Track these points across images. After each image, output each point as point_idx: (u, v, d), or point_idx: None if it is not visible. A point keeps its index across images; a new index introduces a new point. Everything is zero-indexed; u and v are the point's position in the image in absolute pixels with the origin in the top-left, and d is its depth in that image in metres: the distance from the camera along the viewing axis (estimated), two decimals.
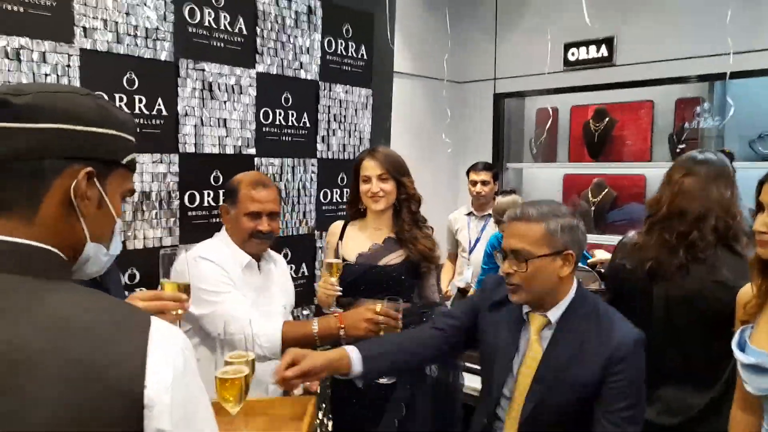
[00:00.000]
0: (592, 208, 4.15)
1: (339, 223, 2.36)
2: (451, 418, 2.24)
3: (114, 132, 0.88)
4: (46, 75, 2.00)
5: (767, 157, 3.52)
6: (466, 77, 4.63)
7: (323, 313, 2.18)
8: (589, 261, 2.53)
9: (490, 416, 1.67)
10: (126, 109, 2.20)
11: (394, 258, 2.22)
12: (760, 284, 1.49)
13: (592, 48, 3.94)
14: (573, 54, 4.02)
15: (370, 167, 2.20)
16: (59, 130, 0.82)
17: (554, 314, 1.62)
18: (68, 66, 2.05)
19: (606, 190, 4.17)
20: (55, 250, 0.82)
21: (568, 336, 1.59)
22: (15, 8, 1.93)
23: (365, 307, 1.85)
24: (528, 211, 1.59)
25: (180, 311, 1.46)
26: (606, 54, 3.89)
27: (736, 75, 3.37)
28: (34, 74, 1.98)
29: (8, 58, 1.93)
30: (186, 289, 1.53)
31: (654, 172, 4.05)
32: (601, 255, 2.55)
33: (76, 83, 2.07)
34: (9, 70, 1.93)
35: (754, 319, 1.50)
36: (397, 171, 2.22)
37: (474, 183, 3.74)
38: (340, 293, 2.09)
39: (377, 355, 1.65)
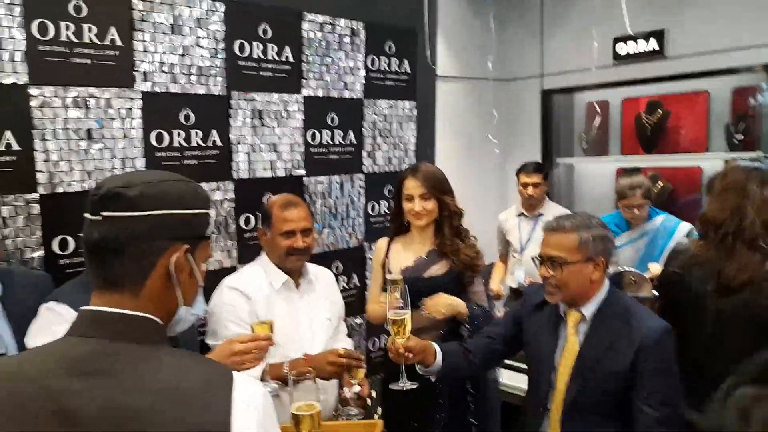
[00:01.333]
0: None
1: (384, 240, 2.47)
2: (485, 414, 2.33)
3: (203, 210, 1.01)
4: (112, 119, 2.20)
5: None
6: (511, 75, 4.61)
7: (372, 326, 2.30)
8: (648, 276, 2.55)
9: (542, 407, 1.85)
10: (184, 143, 2.39)
11: (438, 269, 2.30)
12: None
13: (642, 42, 3.85)
14: (622, 48, 3.94)
15: (413, 186, 2.28)
16: (166, 215, 0.95)
17: (588, 310, 1.80)
18: (130, 109, 2.25)
19: (661, 183, 4.09)
20: (155, 318, 0.95)
21: (602, 330, 1.77)
22: (83, 61, 2.13)
23: (330, 350, 1.99)
24: (563, 223, 1.80)
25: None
26: (657, 47, 3.80)
27: None
28: (102, 119, 2.18)
29: (78, 107, 2.13)
30: (271, 327, 1.76)
31: (711, 164, 3.94)
32: (656, 269, 2.55)
33: (139, 123, 2.27)
34: (79, 118, 2.14)
35: None
36: (438, 190, 2.28)
37: (525, 185, 3.73)
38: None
39: (450, 355, 1.95)
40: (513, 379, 2.70)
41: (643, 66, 3.89)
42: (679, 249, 2.12)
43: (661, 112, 4.11)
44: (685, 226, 3.14)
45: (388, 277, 2.19)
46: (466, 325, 2.18)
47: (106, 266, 0.93)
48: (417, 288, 2.28)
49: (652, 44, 3.81)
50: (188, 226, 0.98)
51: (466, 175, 4.14)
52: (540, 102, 4.50)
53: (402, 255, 2.38)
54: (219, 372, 0.94)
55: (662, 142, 4.15)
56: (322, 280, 2.31)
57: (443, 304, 2.18)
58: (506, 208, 4.12)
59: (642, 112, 4.20)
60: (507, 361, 2.79)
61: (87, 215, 0.94)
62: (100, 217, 0.92)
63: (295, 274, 2.17)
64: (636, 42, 3.86)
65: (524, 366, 2.92)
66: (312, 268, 2.26)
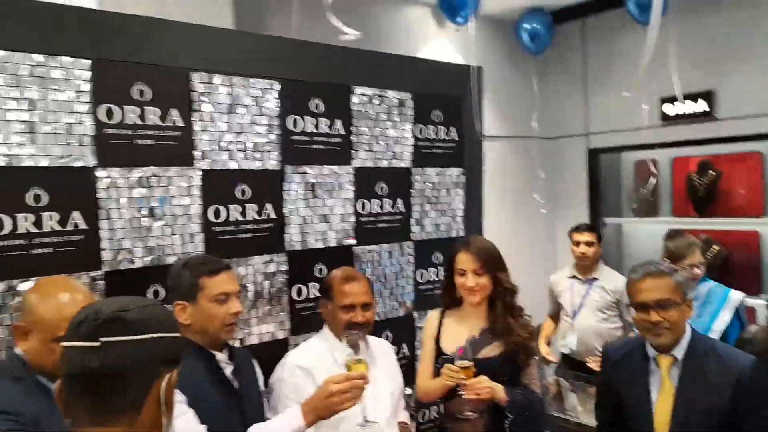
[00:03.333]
0: None
1: (435, 313, 2.43)
2: None
3: (179, 334, 1.00)
4: (173, 197, 2.28)
5: None
6: (556, 133, 4.62)
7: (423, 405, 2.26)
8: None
9: None
10: (240, 218, 2.44)
11: (491, 350, 2.23)
12: None
13: (690, 102, 3.82)
14: (670, 109, 3.91)
15: (466, 261, 2.24)
16: (160, 339, 0.94)
17: (679, 352, 1.93)
18: (190, 186, 2.32)
19: (716, 247, 3.98)
20: None
21: (695, 370, 1.90)
22: (147, 142, 2.22)
23: None
24: (660, 268, 1.95)
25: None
26: (707, 108, 3.76)
27: None
28: (164, 197, 2.25)
29: (141, 186, 2.21)
30: (366, 366, 1.83)
31: None
32: None
33: (198, 201, 2.33)
34: (143, 197, 2.21)
35: None
36: (492, 266, 2.24)
37: (577, 243, 3.69)
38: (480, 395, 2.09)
39: None
40: None
41: (693, 127, 3.85)
42: (747, 336, 2.08)
43: (712, 173, 4.05)
44: (736, 294, 3.02)
45: (458, 363, 2.11)
46: (507, 413, 2.12)
47: (103, 395, 0.90)
48: None
49: (702, 105, 3.77)
50: (174, 350, 0.98)
51: (514, 236, 4.12)
52: (586, 161, 4.49)
53: (455, 330, 2.32)
54: None
55: (715, 203, 4.06)
56: (383, 353, 2.31)
57: (481, 386, 2.08)
58: (554, 269, 4.07)
59: (693, 173, 4.13)
60: None
61: (79, 343, 0.90)
62: (98, 343, 0.89)
63: (356, 348, 2.17)
64: (684, 102, 3.84)
65: None
66: (373, 341, 2.26)
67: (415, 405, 2.98)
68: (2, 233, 1.92)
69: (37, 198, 1.99)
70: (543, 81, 4.43)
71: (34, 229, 1.98)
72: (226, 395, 1.89)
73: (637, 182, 4.44)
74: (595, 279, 3.70)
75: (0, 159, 1.93)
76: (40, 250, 2.00)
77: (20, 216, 1.96)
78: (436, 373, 2.26)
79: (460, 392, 2.09)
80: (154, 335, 0.93)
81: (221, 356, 1.94)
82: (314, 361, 2.12)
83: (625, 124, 4.14)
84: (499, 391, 2.12)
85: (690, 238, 3.14)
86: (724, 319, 2.94)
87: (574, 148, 4.53)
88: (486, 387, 2.08)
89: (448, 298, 2.38)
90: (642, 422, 1.96)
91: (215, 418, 1.73)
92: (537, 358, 2.35)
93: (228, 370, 1.95)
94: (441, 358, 2.25)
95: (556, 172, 4.59)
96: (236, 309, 1.91)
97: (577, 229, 3.74)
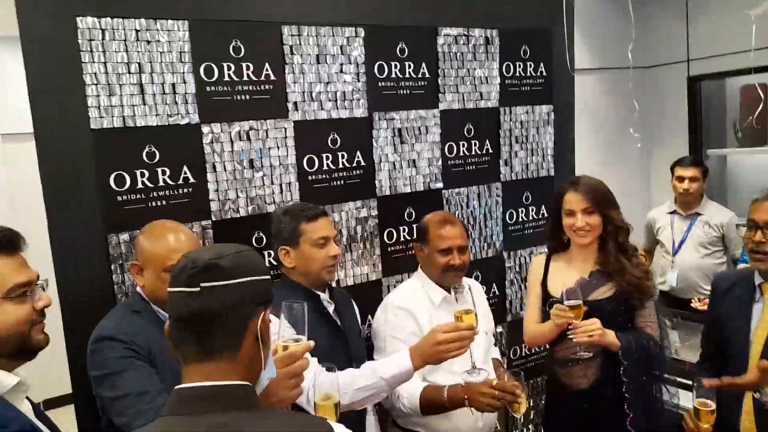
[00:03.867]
0: None
1: (541, 258, 2.40)
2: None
3: (269, 276, 1.10)
4: (270, 148, 2.40)
5: None
6: (654, 62, 4.35)
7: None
8: None
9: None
10: (332, 165, 2.54)
11: (603, 292, 2.18)
12: None
13: None
14: None
15: (574, 201, 2.16)
16: (253, 281, 1.04)
17: None
18: (285, 138, 2.43)
19: None
20: (250, 384, 1.03)
21: None
22: (243, 97, 2.33)
23: (485, 381, 1.96)
24: None
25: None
26: None
27: None
28: (261, 150, 2.38)
29: (240, 140, 2.34)
30: (476, 316, 1.85)
31: None
32: None
33: (292, 152, 2.44)
34: (243, 150, 2.35)
35: None
36: (602, 204, 2.16)
37: (681, 179, 3.55)
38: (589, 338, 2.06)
39: None
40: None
41: None
42: None
43: None
44: None
45: (567, 303, 2.06)
46: (624, 361, 2.07)
47: (206, 334, 0.99)
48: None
49: None
50: (266, 291, 1.06)
51: (606, 174, 3.97)
52: (686, 89, 4.22)
53: (563, 273, 2.27)
54: (317, 423, 1.04)
55: None
56: (475, 292, 2.36)
57: (591, 329, 2.03)
58: (649, 206, 3.93)
59: None
60: (684, 381, 2.64)
61: (180, 288, 1.00)
62: (198, 288, 0.98)
63: (453, 288, 2.23)
64: None
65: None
66: (465, 282, 2.32)
67: (506, 342, 3.07)
68: (124, 188, 2.12)
69: (150, 155, 2.17)
70: (638, 7, 4.14)
71: (149, 184, 2.17)
72: (330, 332, 2.04)
73: (744, 109, 4.13)
74: (698, 214, 3.56)
75: (117, 120, 2.11)
76: (156, 203, 2.19)
77: (137, 172, 2.14)
78: (545, 318, 2.25)
79: (570, 335, 2.06)
80: (247, 278, 1.02)
81: (324, 296, 2.08)
82: (413, 301, 2.22)
83: (730, 48, 3.84)
84: (610, 336, 2.07)
85: None
86: None
87: (672, 77, 4.26)
88: (597, 329, 2.03)
89: (555, 241, 2.33)
90: (737, 350, 1.95)
91: (322, 353, 1.87)
92: (654, 298, 2.24)
93: (330, 308, 2.09)
94: (549, 301, 2.22)
95: (652, 103, 4.35)
96: (335, 252, 2.03)
97: (681, 162, 3.58)
